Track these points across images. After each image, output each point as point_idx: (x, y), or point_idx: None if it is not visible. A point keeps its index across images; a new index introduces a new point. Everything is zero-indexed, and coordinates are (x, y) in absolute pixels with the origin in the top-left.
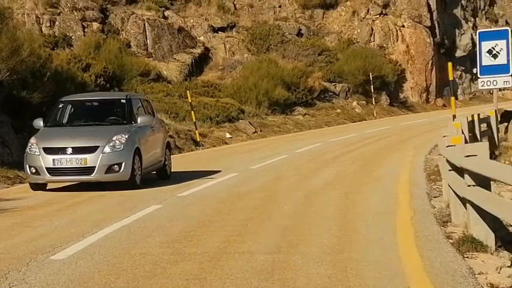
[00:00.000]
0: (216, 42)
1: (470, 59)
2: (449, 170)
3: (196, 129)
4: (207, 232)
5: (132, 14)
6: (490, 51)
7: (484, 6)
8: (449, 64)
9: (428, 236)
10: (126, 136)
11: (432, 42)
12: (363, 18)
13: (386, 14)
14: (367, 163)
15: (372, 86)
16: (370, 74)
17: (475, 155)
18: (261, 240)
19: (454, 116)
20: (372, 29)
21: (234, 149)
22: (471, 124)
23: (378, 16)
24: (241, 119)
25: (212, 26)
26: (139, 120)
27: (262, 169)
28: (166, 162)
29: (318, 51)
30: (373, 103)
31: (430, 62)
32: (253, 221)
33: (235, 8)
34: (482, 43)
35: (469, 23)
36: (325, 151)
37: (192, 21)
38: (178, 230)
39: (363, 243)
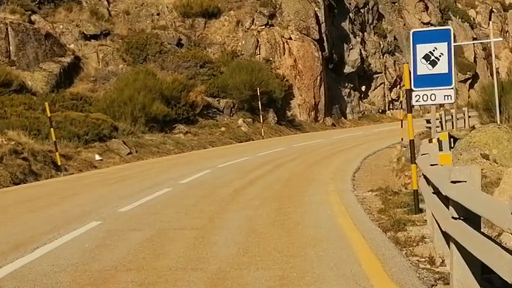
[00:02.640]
0: (88, 51)
1: (358, 76)
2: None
3: (56, 150)
4: None
5: None
6: (427, 57)
7: (373, 21)
8: (405, 66)
9: None
10: None
11: (321, 57)
12: (248, 29)
13: (272, 25)
14: (282, 204)
15: (259, 103)
16: (258, 89)
17: None
18: None
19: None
20: (258, 41)
21: (103, 175)
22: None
23: (263, 27)
24: (114, 138)
25: (84, 33)
26: None
27: (135, 215)
28: None
29: (200, 63)
30: (261, 121)
31: (318, 78)
32: None
33: (110, 15)
34: (417, 46)
35: (357, 37)
36: (218, 182)
37: (61, 27)
38: None
39: None
